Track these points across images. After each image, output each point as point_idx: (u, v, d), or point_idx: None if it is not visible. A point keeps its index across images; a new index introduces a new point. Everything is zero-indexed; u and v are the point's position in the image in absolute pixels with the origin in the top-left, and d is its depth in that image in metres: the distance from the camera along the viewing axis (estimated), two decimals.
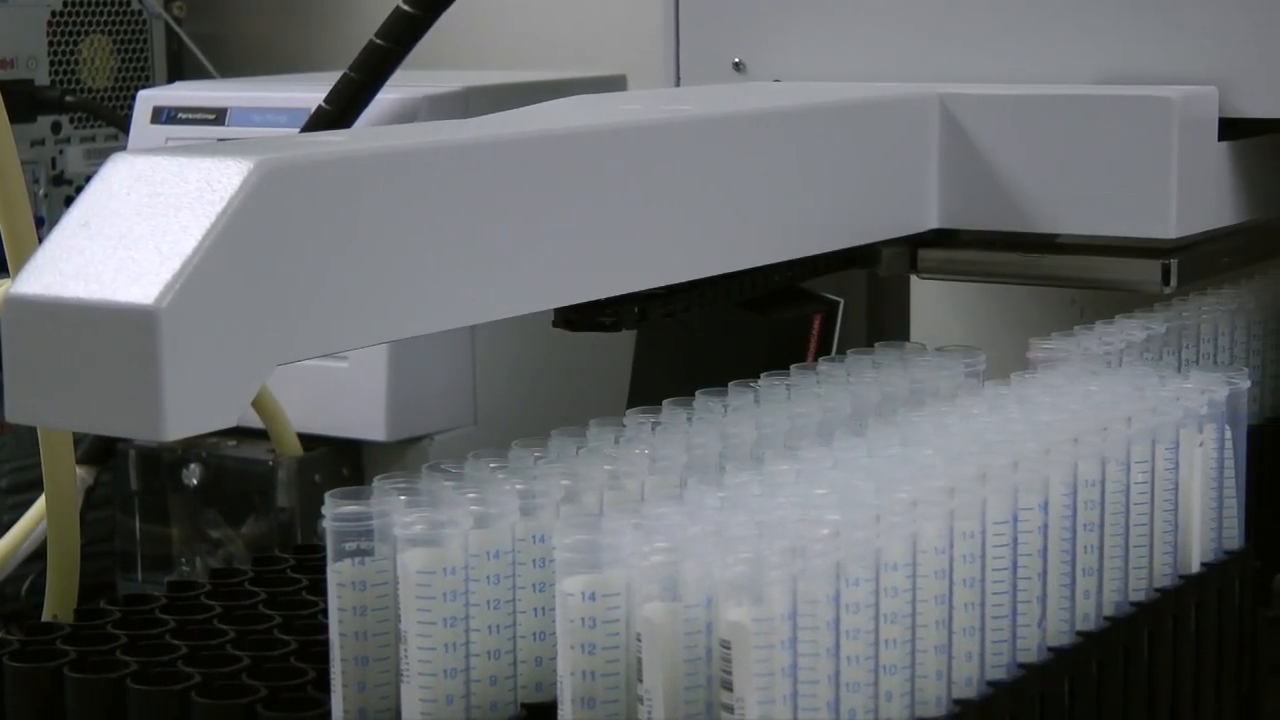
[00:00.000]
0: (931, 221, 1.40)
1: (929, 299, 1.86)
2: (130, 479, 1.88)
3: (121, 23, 2.34)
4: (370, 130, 1.29)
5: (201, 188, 0.91)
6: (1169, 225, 1.35)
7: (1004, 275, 1.45)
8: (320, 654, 1.01)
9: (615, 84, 1.97)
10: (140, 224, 0.90)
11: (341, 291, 0.96)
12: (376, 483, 0.99)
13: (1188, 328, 1.39)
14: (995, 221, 1.40)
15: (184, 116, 1.90)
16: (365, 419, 1.78)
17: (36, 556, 1.53)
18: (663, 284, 1.20)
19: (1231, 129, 1.41)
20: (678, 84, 1.60)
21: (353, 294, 0.97)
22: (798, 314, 1.57)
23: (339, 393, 1.78)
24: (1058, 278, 1.42)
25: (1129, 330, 1.33)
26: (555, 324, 1.19)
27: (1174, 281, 1.26)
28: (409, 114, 1.77)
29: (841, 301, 1.64)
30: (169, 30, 2.39)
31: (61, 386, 0.89)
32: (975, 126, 1.39)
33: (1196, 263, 1.37)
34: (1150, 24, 1.42)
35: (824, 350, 1.60)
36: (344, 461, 1.82)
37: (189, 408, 0.88)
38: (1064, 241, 1.38)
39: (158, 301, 0.86)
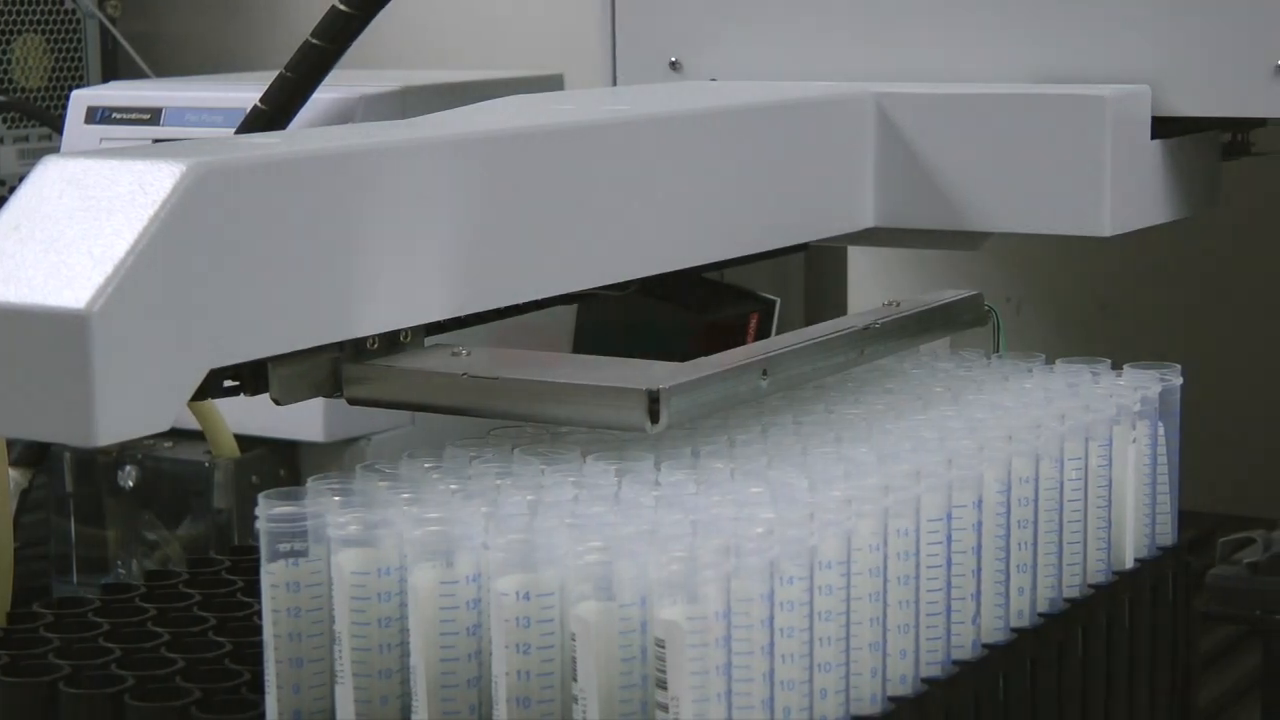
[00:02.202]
0: (868, 220, 1.40)
1: (866, 297, 1.86)
2: (65, 481, 1.87)
3: (55, 22, 2.33)
4: (304, 132, 1.28)
5: (134, 191, 0.90)
6: (1103, 223, 1.36)
7: (447, 406, 1.08)
8: (255, 656, 1.01)
9: (553, 83, 1.97)
10: (72, 227, 0.90)
11: (274, 295, 0.96)
12: (311, 483, 0.99)
13: None
14: (931, 220, 1.40)
15: (118, 116, 1.89)
16: (302, 419, 1.77)
17: None
18: (598, 285, 1.20)
19: (1164, 127, 1.42)
20: (614, 83, 1.60)
21: (285, 297, 0.96)
22: (734, 313, 1.57)
23: None
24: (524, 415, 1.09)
25: None
26: None
27: (664, 420, 1.00)
28: (346, 114, 1.76)
29: (778, 300, 1.65)
30: (103, 29, 2.37)
31: None
32: (910, 125, 1.39)
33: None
34: (1084, 23, 1.43)
35: None
36: (281, 462, 1.81)
37: (121, 413, 0.88)
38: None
39: (89, 306, 0.86)
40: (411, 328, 1.06)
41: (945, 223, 1.40)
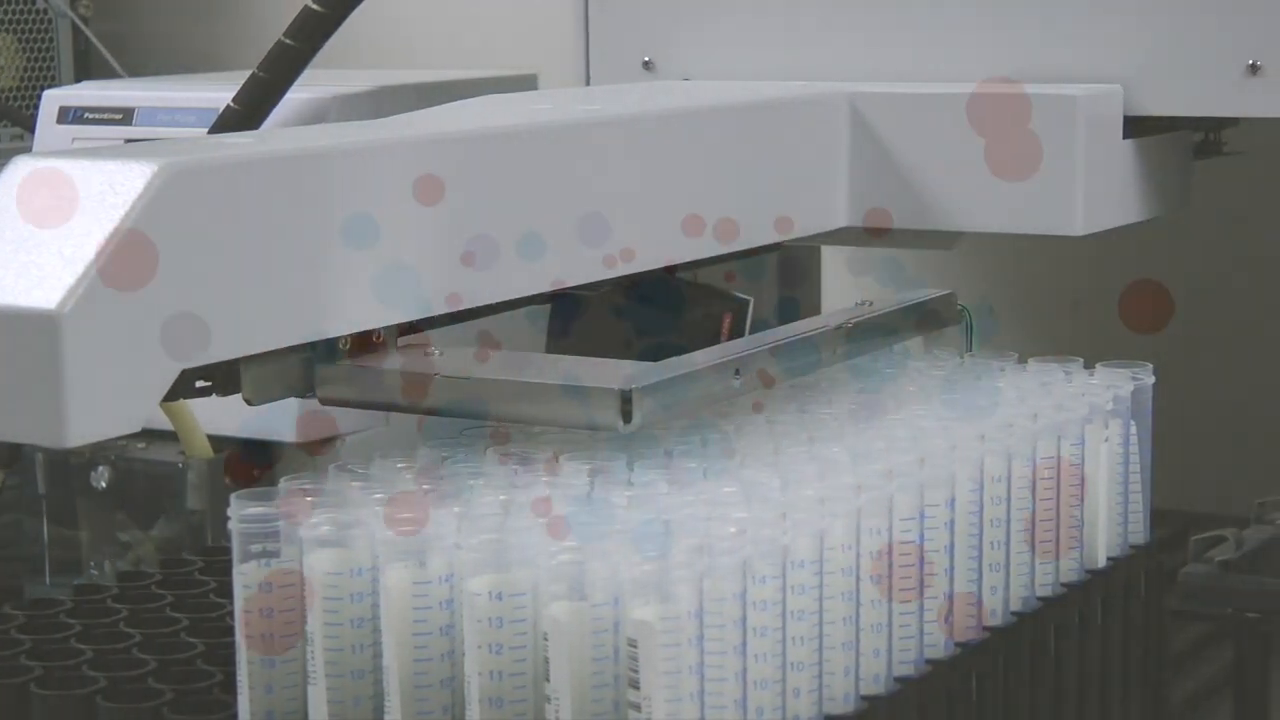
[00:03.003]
0: (841, 220, 1.40)
1: (840, 296, 1.86)
2: (38, 482, 1.86)
3: (27, 21, 2.32)
4: (276, 132, 1.28)
5: (104, 191, 0.90)
6: (1075, 223, 1.36)
7: (422, 407, 1.08)
8: (228, 656, 1.01)
9: (526, 83, 1.96)
10: (42, 228, 0.89)
11: (246, 295, 0.95)
12: (283, 484, 0.99)
13: None
14: (904, 220, 1.40)
15: (91, 116, 1.89)
16: (275, 420, 1.77)
17: None
18: (572, 285, 1.20)
19: (1136, 127, 1.42)
20: (588, 82, 1.60)
21: (257, 297, 0.96)
22: (707, 313, 1.57)
23: None
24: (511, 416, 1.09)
25: None
26: None
27: (637, 419, 1.00)
28: (319, 114, 1.76)
29: (751, 300, 1.64)
30: (75, 29, 2.36)
31: None
32: (884, 125, 1.39)
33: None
34: (1055, 23, 1.43)
35: None
36: (255, 462, 1.81)
37: (93, 413, 0.87)
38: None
39: (60, 306, 0.86)
40: (384, 328, 1.06)
41: (919, 222, 1.40)
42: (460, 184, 1.08)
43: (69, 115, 1.90)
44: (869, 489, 1.00)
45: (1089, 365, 1.24)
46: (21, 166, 0.94)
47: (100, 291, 0.87)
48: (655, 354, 1.14)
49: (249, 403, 1.00)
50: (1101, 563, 1.21)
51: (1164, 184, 1.47)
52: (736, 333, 1.54)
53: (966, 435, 1.09)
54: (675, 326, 1.52)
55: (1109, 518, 1.21)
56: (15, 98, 2.30)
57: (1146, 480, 1.25)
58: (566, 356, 1.13)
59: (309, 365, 1.03)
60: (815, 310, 1.84)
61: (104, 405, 0.88)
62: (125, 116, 1.87)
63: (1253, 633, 1.27)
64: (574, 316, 1.50)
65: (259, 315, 0.97)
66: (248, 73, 1.60)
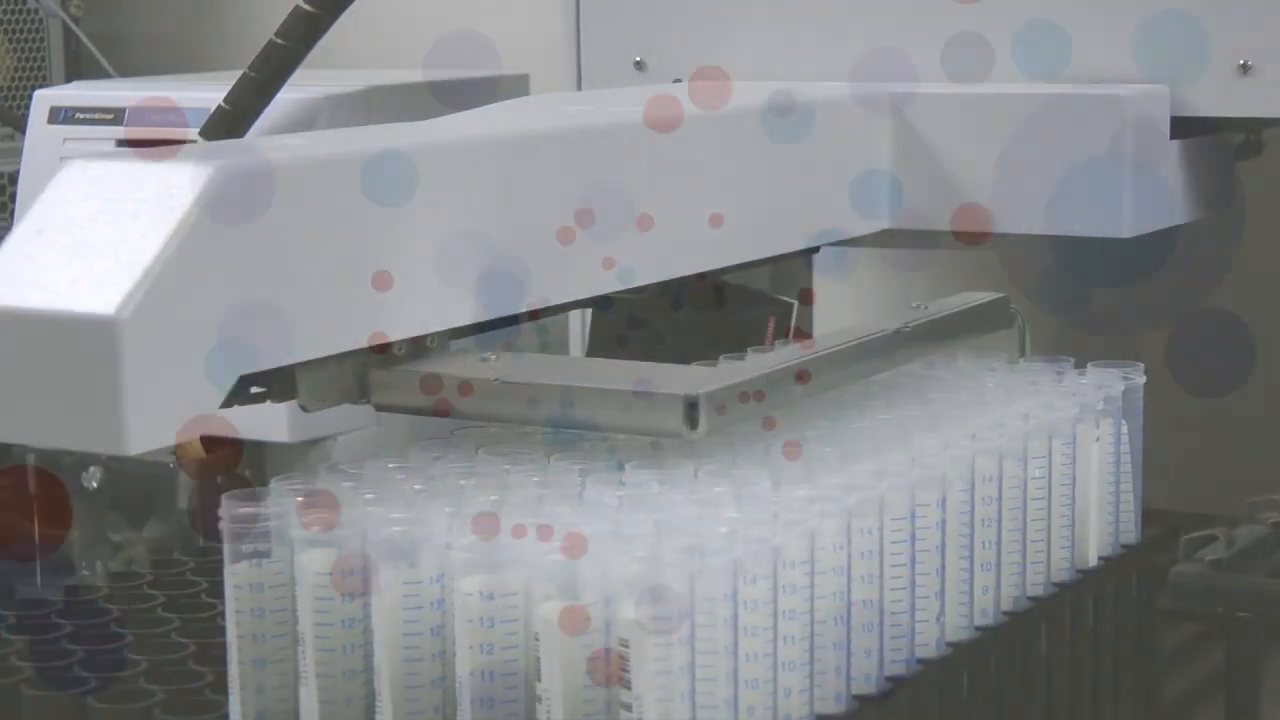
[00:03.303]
0: (884, 222, 1.40)
1: (833, 304, 1.86)
2: (29, 482, 1.86)
3: (17, 21, 2.32)
4: (328, 134, 1.26)
5: (159, 194, 0.89)
6: (1122, 224, 1.36)
7: (478, 414, 1.09)
8: (219, 656, 1.01)
9: (518, 84, 1.96)
10: (97, 231, 0.88)
11: (302, 299, 0.94)
12: (274, 484, 0.99)
13: None
14: (946, 221, 1.39)
15: (82, 116, 1.88)
16: (267, 419, 1.77)
17: None
18: (616, 289, 1.18)
19: (1182, 128, 1.42)
20: (579, 84, 1.60)
21: (313, 301, 0.95)
22: (752, 316, 1.56)
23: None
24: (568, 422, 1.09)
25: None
26: None
27: (703, 426, 0.99)
28: (310, 114, 1.76)
29: (796, 304, 1.63)
30: (66, 29, 2.36)
31: (18, 399, 0.87)
32: (927, 126, 1.38)
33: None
34: (1101, 23, 1.42)
35: None
36: (246, 463, 1.81)
37: (152, 420, 0.86)
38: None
39: (119, 311, 0.85)
40: (437, 333, 1.04)
41: (962, 224, 1.39)
42: (509, 187, 1.07)
43: (60, 115, 1.90)
44: (860, 489, 1.00)
45: (1080, 365, 1.24)
46: (74, 169, 0.92)
47: (158, 296, 0.86)
48: (699, 358, 1.14)
49: (304, 409, 0.99)
50: (1092, 562, 1.21)
51: (1209, 185, 1.46)
52: (779, 335, 1.54)
53: (957, 435, 1.09)
54: (719, 330, 1.51)
55: (1100, 517, 1.21)
56: (6, 98, 2.30)
57: (1138, 480, 1.25)
58: (622, 361, 1.11)
59: (363, 370, 1.02)
60: (844, 312, 1.82)
61: (163, 411, 0.87)
62: (116, 117, 1.87)
63: (1244, 632, 1.27)
64: (615, 320, 1.49)
65: (315, 320, 0.96)
66: (239, 73, 1.60)
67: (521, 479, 1.01)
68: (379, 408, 1.03)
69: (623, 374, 1.02)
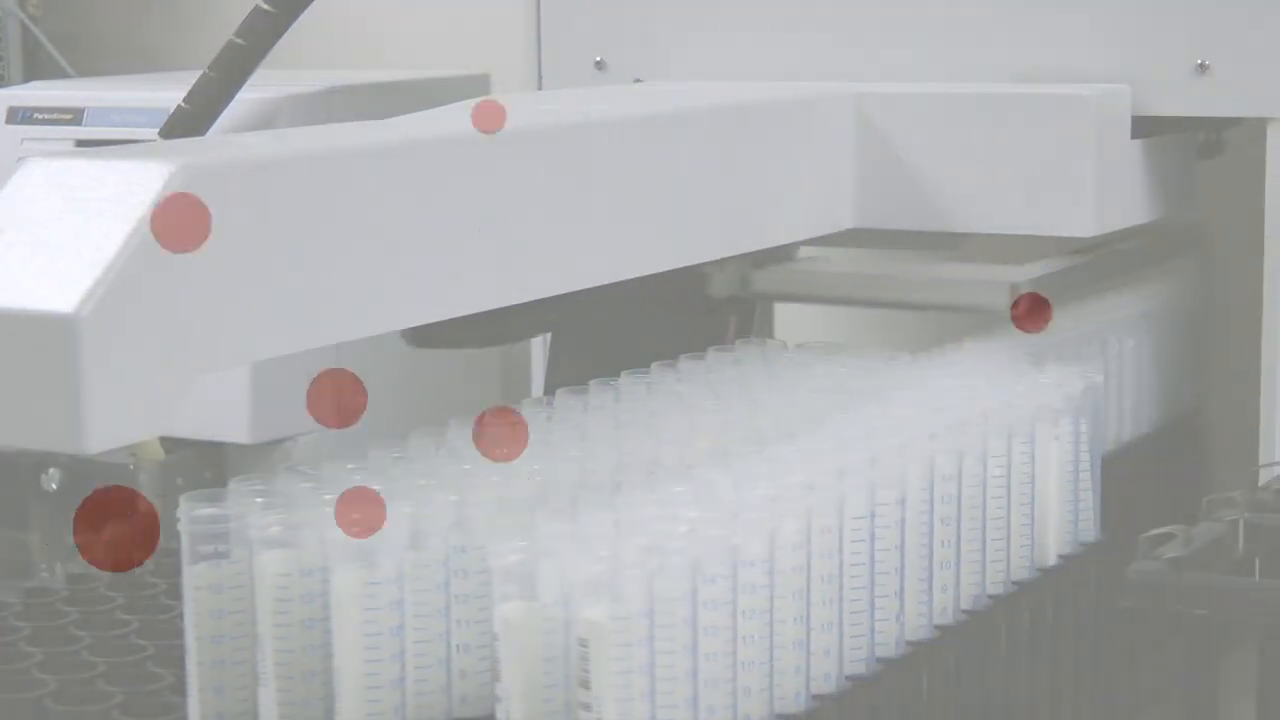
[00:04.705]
0: (847, 222, 1.40)
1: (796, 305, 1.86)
2: None
3: None
4: (293, 132, 1.26)
5: (121, 192, 0.88)
6: (1086, 223, 1.36)
7: (842, 298, 1.48)
8: (178, 658, 1.00)
9: (479, 83, 1.96)
10: (58, 229, 0.87)
11: (264, 296, 0.94)
12: (233, 485, 0.98)
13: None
14: (912, 221, 1.40)
15: (40, 117, 1.88)
16: (228, 421, 1.77)
17: None
18: (580, 286, 1.18)
19: (1143, 127, 1.42)
20: (540, 83, 1.60)
21: (275, 299, 0.95)
22: (712, 317, 1.56)
23: (201, 394, 1.76)
24: (902, 302, 1.44)
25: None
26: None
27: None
28: (270, 114, 1.76)
29: (756, 302, 1.63)
30: (24, 29, 2.35)
31: None
32: (890, 126, 1.38)
33: (1047, 288, 1.37)
34: (1064, 23, 1.43)
35: None
36: (207, 464, 1.80)
37: (111, 418, 0.86)
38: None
39: (79, 309, 0.84)
40: None
41: (926, 224, 1.40)
42: (480, 184, 1.07)
43: (18, 115, 1.89)
44: (819, 488, 1.00)
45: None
46: (34, 166, 0.92)
47: (118, 294, 0.85)
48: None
49: None
50: (1052, 561, 1.21)
51: (1171, 185, 1.47)
52: (742, 334, 1.54)
53: (917, 434, 1.09)
54: (680, 328, 1.51)
55: (1059, 516, 1.22)
56: None
57: (1096, 478, 1.25)
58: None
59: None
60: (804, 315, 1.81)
61: (123, 410, 0.87)
62: (75, 117, 1.87)
63: (1201, 630, 1.27)
64: (579, 318, 1.49)
65: (275, 316, 0.95)
66: (198, 73, 1.60)
67: (481, 480, 1.01)
68: (758, 298, 1.38)
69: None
